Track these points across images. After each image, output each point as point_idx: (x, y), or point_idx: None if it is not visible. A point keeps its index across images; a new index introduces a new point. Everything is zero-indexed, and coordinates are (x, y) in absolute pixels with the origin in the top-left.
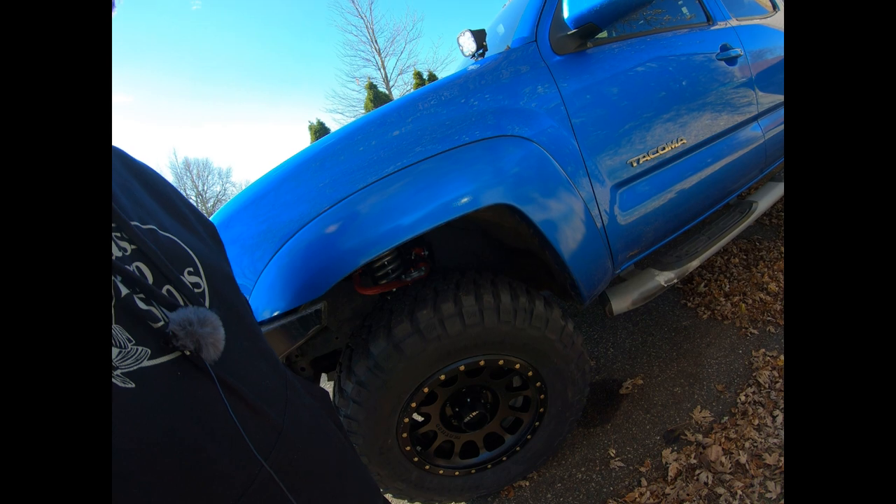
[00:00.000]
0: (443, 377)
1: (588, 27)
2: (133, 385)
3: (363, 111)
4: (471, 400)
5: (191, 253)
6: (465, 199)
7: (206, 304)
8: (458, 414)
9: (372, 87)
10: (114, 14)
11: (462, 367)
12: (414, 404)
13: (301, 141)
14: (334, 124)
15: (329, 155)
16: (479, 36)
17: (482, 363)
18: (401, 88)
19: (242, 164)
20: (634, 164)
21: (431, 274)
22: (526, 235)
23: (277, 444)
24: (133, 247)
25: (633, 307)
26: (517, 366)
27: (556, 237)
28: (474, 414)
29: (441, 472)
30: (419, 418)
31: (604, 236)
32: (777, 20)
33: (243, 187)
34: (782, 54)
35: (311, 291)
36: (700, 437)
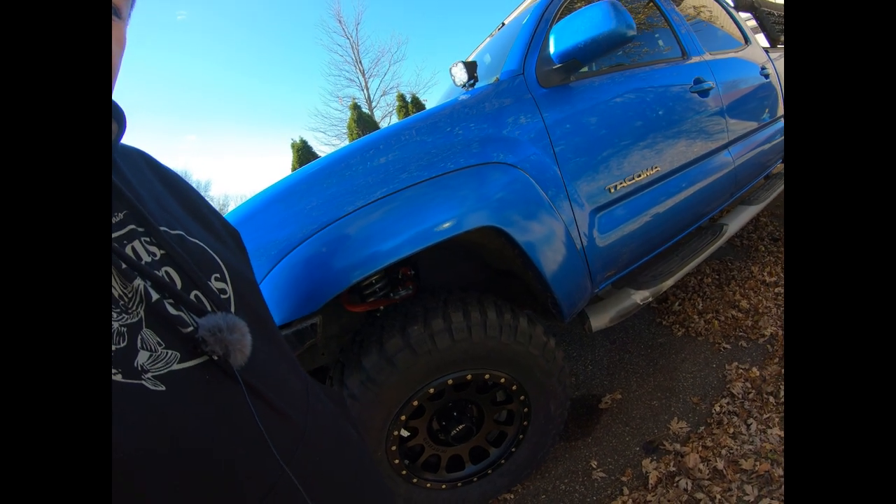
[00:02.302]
0: (431, 390)
1: (572, 62)
2: (164, 388)
3: (346, 131)
4: (457, 414)
5: (217, 259)
6: (451, 223)
7: (232, 310)
8: (445, 427)
9: (356, 107)
10: (126, 27)
11: (450, 381)
12: (403, 417)
13: (283, 157)
14: (316, 143)
15: (318, 180)
16: (470, 68)
17: (469, 377)
18: (383, 110)
19: (221, 178)
20: (612, 190)
21: (418, 292)
22: (509, 256)
23: (300, 448)
24: (162, 252)
25: (611, 324)
26: (502, 380)
27: (539, 258)
28: (461, 427)
29: (428, 485)
30: (406, 433)
31: (583, 257)
32: (749, 53)
33: (221, 201)
34: (753, 85)
35: (306, 307)
36: (678, 446)
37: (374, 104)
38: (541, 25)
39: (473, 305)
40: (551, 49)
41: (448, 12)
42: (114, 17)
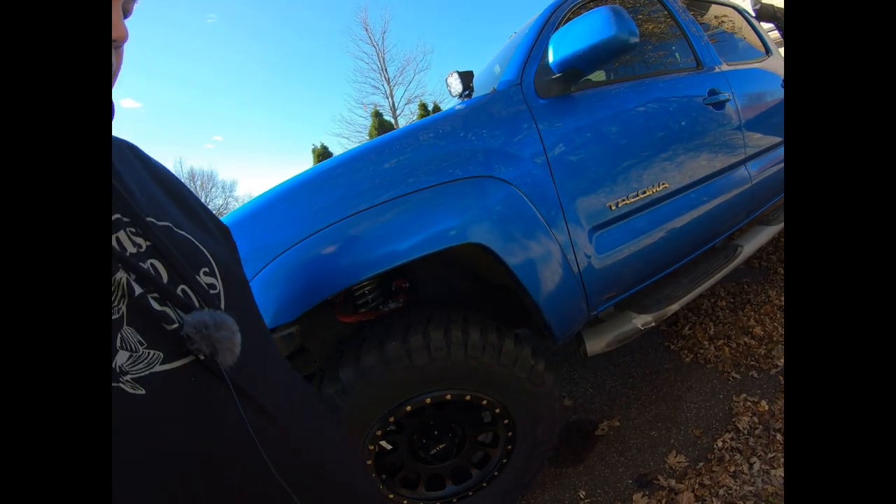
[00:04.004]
0: (409, 408)
1: (572, 71)
2: (143, 392)
3: (367, 138)
4: (438, 432)
5: (206, 253)
6: (436, 238)
7: (222, 305)
8: (425, 445)
9: (377, 115)
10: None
11: (428, 400)
12: (379, 432)
13: (305, 163)
14: (339, 148)
15: (324, 181)
16: (465, 77)
17: (449, 397)
18: (407, 118)
19: (246, 179)
20: (613, 208)
21: (410, 306)
22: (502, 273)
23: (292, 452)
24: (148, 243)
25: (608, 349)
26: (484, 402)
27: (529, 279)
28: (441, 446)
29: (405, 502)
30: (388, 446)
31: (579, 279)
32: (770, 64)
33: (245, 202)
34: (774, 98)
35: (288, 312)
36: (673, 482)
37: (398, 112)
38: (543, 33)
39: (456, 324)
40: (550, 57)
41: (474, 23)
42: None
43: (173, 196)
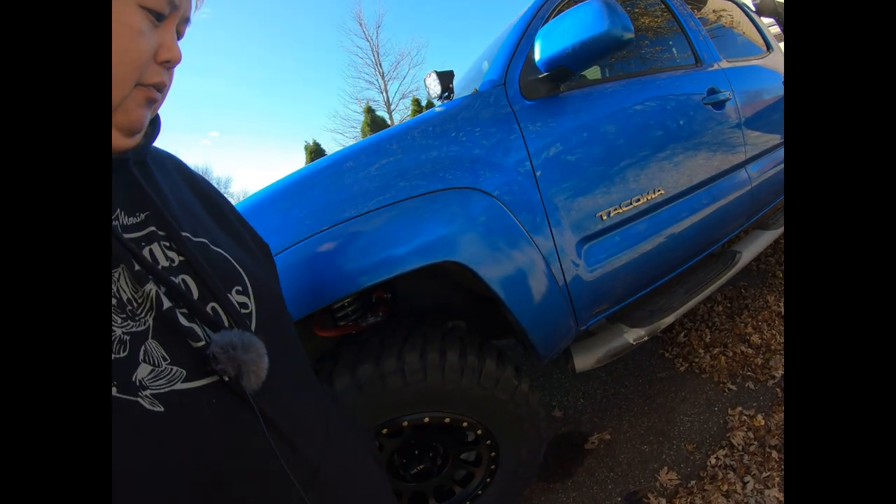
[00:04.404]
0: (385, 431)
1: (560, 70)
2: (162, 409)
3: (360, 133)
4: (419, 452)
5: (241, 271)
6: (407, 257)
7: (253, 326)
8: (406, 465)
9: (370, 111)
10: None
11: (405, 423)
12: None
13: (300, 158)
14: (333, 144)
15: (303, 189)
16: (445, 78)
17: (427, 420)
18: (402, 113)
19: (242, 175)
20: (604, 217)
21: (391, 318)
22: (486, 288)
23: (314, 486)
24: (181, 258)
25: (599, 365)
26: (465, 423)
27: (510, 297)
28: (420, 467)
29: None
30: None
31: (566, 294)
32: (771, 60)
33: (241, 198)
34: (775, 95)
35: None
36: (663, 501)
37: (393, 107)
38: (530, 28)
39: (433, 345)
40: (537, 55)
41: (471, 17)
42: (152, 20)
43: (213, 211)
